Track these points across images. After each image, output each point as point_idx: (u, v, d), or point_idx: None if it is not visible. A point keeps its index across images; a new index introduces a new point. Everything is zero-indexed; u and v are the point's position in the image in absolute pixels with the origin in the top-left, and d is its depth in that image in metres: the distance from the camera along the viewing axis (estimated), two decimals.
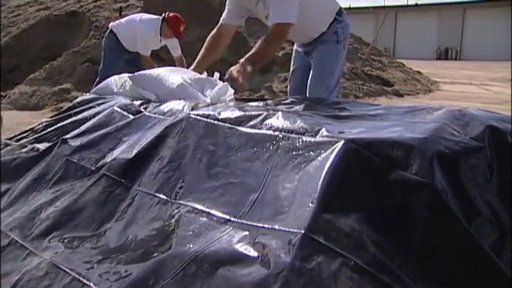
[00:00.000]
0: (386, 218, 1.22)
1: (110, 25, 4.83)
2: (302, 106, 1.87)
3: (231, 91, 2.07)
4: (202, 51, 2.91)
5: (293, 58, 3.19)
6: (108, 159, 1.81)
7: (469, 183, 1.31)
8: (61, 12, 8.84)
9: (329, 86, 2.82)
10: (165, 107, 1.96)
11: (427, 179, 1.25)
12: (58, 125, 2.30)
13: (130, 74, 2.37)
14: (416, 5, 35.80)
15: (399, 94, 9.08)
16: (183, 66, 4.77)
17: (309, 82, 2.86)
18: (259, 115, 1.63)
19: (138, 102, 2.14)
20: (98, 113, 2.21)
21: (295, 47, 3.16)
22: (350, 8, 38.01)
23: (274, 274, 1.13)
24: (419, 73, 12.51)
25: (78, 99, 2.57)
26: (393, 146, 1.31)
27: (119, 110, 2.12)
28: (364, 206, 1.24)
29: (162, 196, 1.56)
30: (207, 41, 2.92)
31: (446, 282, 1.17)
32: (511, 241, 1.30)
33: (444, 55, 32.92)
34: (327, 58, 2.84)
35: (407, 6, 35.57)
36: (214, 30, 2.93)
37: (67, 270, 1.44)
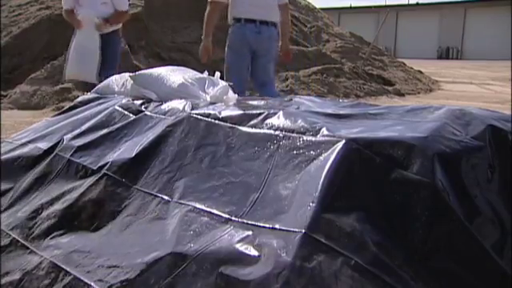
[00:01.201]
0: (387, 218, 1.22)
1: None
2: (302, 105, 1.86)
3: (233, 92, 2.06)
4: (205, 24, 4.06)
5: None
6: (109, 159, 1.81)
7: (470, 182, 1.31)
8: (62, 11, 8.84)
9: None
10: (165, 107, 1.96)
11: (428, 178, 1.25)
12: (60, 124, 2.30)
13: (130, 74, 2.37)
14: (417, 4, 35.77)
15: (400, 94, 9.07)
16: (119, 20, 4.61)
17: None
18: (260, 114, 1.63)
19: (138, 102, 2.14)
20: (99, 112, 2.21)
21: None
22: (350, 7, 38.03)
23: (275, 274, 1.13)
24: (420, 72, 12.50)
25: (79, 99, 2.57)
26: (394, 145, 1.31)
27: (120, 109, 2.12)
28: (365, 206, 1.24)
29: (162, 196, 1.56)
30: (206, 17, 4.01)
31: (447, 282, 1.16)
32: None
33: (445, 54, 32.90)
34: None
35: (408, 5, 35.54)
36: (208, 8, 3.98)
37: (68, 269, 1.44)
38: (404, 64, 12.80)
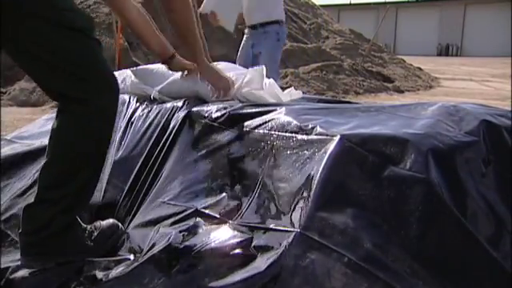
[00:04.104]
0: (382, 214, 1.23)
1: None
2: (297, 103, 1.85)
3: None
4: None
5: None
6: (106, 160, 1.81)
7: (464, 177, 1.32)
8: None
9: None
10: (163, 106, 1.94)
11: (422, 174, 1.26)
12: None
13: (132, 69, 2.34)
14: (417, 1, 35.66)
15: (400, 91, 9.07)
16: None
17: None
18: (254, 114, 1.61)
19: (137, 100, 2.12)
20: None
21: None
22: (350, 4, 37.92)
23: (269, 274, 1.14)
24: (420, 69, 12.49)
25: None
26: (387, 141, 1.32)
27: (119, 107, 2.11)
28: (359, 203, 1.24)
29: (158, 197, 1.56)
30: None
31: (441, 276, 1.17)
32: (508, 233, 1.31)
33: (445, 51, 32.83)
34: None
35: (408, 1, 35.43)
36: None
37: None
38: (403, 61, 12.79)
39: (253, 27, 3.86)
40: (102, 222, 1.55)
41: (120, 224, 1.57)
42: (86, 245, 1.48)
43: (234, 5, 3.81)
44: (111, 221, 1.57)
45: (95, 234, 1.51)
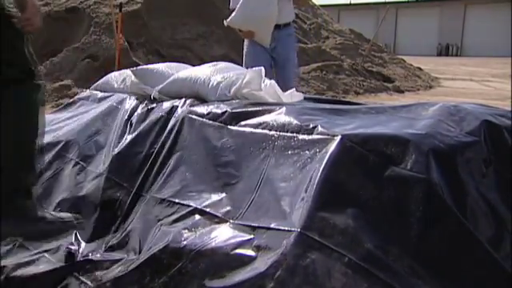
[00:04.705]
0: (382, 214, 1.23)
1: None
2: (298, 103, 1.85)
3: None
4: None
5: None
6: (106, 159, 1.82)
7: (464, 177, 1.32)
8: (61, 8, 8.79)
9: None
10: (162, 105, 1.95)
11: (423, 174, 1.25)
12: (58, 121, 2.31)
13: (132, 69, 2.35)
14: (417, 1, 35.65)
15: (400, 91, 9.07)
16: None
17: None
18: (255, 114, 1.62)
19: (137, 100, 2.13)
20: (97, 110, 2.21)
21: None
22: (350, 4, 37.90)
23: (269, 274, 1.14)
24: (420, 69, 12.49)
25: (78, 95, 2.57)
26: (388, 141, 1.31)
27: (118, 107, 2.12)
28: (360, 202, 1.24)
29: (159, 196, 1.57)
30: None
31: (442, 276, 1.17)
32: (508, 234, 1.31)
33: (445, 51, 32.83)
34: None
35: (408, 1, 35.42)
36: None
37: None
38: (403, 61, 12.79)
39: (276, 27, 3.47)
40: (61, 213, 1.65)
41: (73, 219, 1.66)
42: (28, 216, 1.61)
43: (268, 19, 3.45)
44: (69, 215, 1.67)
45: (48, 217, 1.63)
